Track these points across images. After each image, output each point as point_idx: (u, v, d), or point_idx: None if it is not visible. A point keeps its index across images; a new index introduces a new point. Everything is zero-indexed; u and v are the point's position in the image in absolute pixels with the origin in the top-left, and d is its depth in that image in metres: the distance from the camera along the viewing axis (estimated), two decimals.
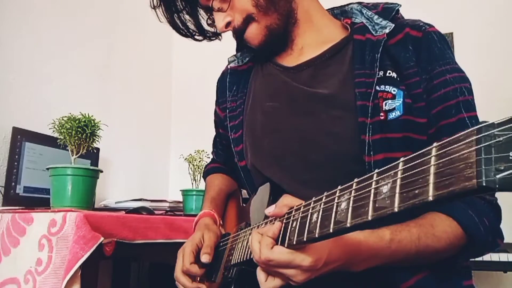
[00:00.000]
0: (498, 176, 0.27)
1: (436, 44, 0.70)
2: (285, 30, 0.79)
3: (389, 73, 0.69)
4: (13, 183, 1.48)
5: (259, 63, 0.87)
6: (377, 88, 0.68)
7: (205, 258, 0.75)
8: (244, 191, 0.97)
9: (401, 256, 0.59)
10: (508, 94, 1.97)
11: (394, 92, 0.68)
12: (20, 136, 1.52)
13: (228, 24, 0.78)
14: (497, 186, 0.27)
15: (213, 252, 0.77)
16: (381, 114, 0.67)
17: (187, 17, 0.85)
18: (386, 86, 0.68)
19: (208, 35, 0.88)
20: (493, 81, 1.99)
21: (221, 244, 0.82)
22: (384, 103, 0.67)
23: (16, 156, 1.50)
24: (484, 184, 0.27)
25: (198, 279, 0.78)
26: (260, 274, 0.56)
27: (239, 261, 0.69)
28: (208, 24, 0.86)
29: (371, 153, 0.66)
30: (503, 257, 1.52)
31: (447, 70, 0.68)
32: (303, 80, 0.77)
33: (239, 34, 0.79)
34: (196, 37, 0.88)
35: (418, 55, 0.70)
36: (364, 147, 0.66)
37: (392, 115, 0.67)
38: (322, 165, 0.72)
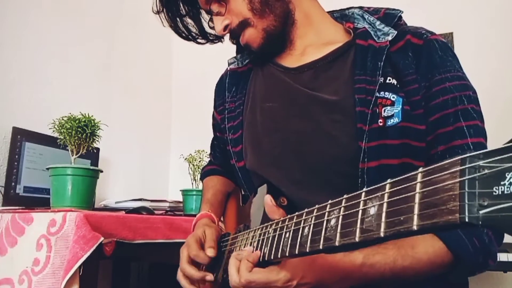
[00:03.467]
0: (481, 213, 0.26)
1: (437, 52, 0.70)
2: (283, 31, 0.79)
3: (389, 79, 0.69)
4: (13, 183, 1.48)
5: (259, 63, 0.87)
6: (377, 94, 0.68)
7: (210, 252, 0.75)
8: None
9: (375, 278, 0.59)
10: (508, 94, 1.97)
11: (393, 99, 0.68)
12: (20, 136, 1.52)
13: (226, 27, 0.79)
14: (480, 223, 0.26)
15: (217, 245, 0.77)
16: (380, 120, 0.67)
17: (189, 21, 0.86)
18: (386, 93, 0.68)
19: (211, 38, 0.89)
20: (493, 81, 1.99)
21: (221, 244, 0.82)
22: (383, 109, 0.67)
23: (16, 156, 1.50)
24: (466, 220, 0.27)
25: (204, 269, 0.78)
26: None
27: None
28: (210, 27, 0.86)
29: (365, 160, 0.66)
30: (503, 257, 1.52)
31: (447, 78, 0.68)
32: (304, 82, 0.77)
33: (235, 37, 0.80)
34: (198, 40, 0.89)
35: (418, 62, 0.69)
36: (360, 153, 0.67)
37: (390, 122, 0.67)
38: (318, 167, 0.72)
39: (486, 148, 0.34)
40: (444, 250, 0.60)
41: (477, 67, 2.01)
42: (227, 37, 0.89)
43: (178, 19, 0.85)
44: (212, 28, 0.87)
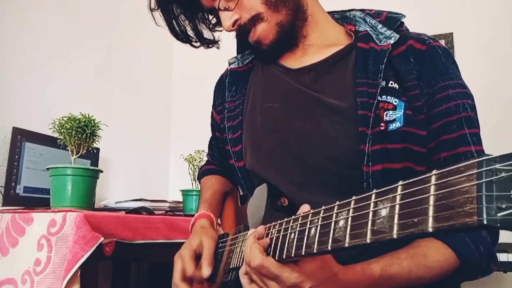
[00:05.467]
0: (499, 215, 0.26)
1: (440, 59, 0.70)
2: (294, 25, 0.77)
3: (391, 83, 0.69)
4: (13, 183, 1.48)
5: (260, 63, 0.87)
6: (379, 98, 0.68)
7: (206, 272, 0.74)
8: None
9: None
10: (508, 94, 1.97)
11: (395, 103, 0.68)
12: (20, 136, 1.52)
13: (235, 23, 0.76)
14: (498, 225, 0.26)
15: (213, 263, 0.77)
16: (382, 124, 0.67)
17: (186, 22, 0.84)
18: (388, 97, 0.68)
19: (206, 42, 0.87)
20: (493, 81, 1.99)
21: (220, 245, 0.81)
22: (385, 113, 0.67)
23: (16, 156, 1.50)
24: (485, 223, 0.27)
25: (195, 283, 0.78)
26: (244, 278, 0.58)
27: (238, 265, 0.68)
28: (209, 27, 0.85)
29: (370, 163, 0.66)
30: (503, 257, 1.53)
31: (449, 85, 0.68)
32: (305, 83, 0.77)
33: (245, 33, 0.77)
34: (193, 43, 0.87)
35: (421, 68, 0.69)
36: (363, 157, 0.66)
37: (392, 126, 0.67)
38: (318, 168, 0.72)
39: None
40: (453, 258, 0.60)
41: (477, 67, 2.01)
42: (225, 36, 0.89)
43: (173, 20, 0.83)
44: (212, 28, 0.85)
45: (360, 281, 0.56)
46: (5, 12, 1.66)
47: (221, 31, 0.86)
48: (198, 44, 0.88)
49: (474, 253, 0.60)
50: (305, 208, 0.55)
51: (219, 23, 0.83)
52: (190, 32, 0.85)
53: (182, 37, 0.85)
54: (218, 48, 0.90)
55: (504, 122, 1.92)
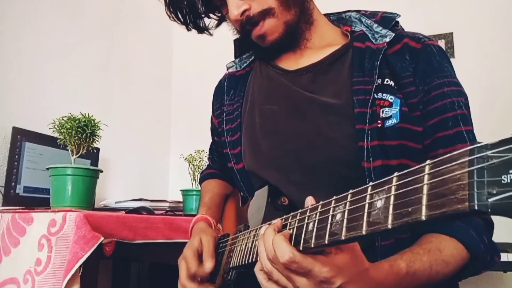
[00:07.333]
0: (490, 200, 0.27)
1: (435, 57, 0.71)
2: (298, 27, 0.77)
3: (387, 81, 0.70)
4: (13, 183, 1.48)
5: (258, 66, 0.87)
6: (375, 95, 0.69)
7: (209, 265, 0.75)
8: None
9: (415, 286, 0.57)
10: (508, 94, 1.97)
11: (391, 100, 0.68)
12: (20, 136, 1.52)
13: (243, 13, 0.74)
14: (489, 210, 0.27)
15: (214, 256, 0.77)
16: (378, 121, 0.67)
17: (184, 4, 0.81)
18: (384, 94, 0.69)
19: (201, 27, 0.85)
20: (493, 81, 1.99)
21: (220, 245, 0.82)
22: (381, 110, 0.68)
23: (16, 156, 1.50)
24: (476, 208, 0.27)
25: (199, 281, 0.78)
26: (260, 274, 0.54)
27: (238, 264, 0.69)
28: (203, 12, 0.82)
29: (370, 159, 0.66)
30: (503, 257, 1.53)
31: (444, 83, 0.69)
32: (302, 85, 0.77)
33: (251, 24, 0.75)
34: (189, 26, 0.84)
35: (416, 65, 0.70)
36: (363, 154, 0.67)
37: (388, 123, 0.67)
38: (318, 168, 0.72)
39: None
40: (464, 251, 0.61)
41: (477, 67, 2.01)
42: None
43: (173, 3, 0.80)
44: (206, 13, 0.82)
45: (387, 278, 0.54)
46: (5, 12, 1.66)
47: (215, 19, 0.84)
48: (192, 28, 0.85)
49: (480, 246, 0.61)
50: (309, 201, 0.53)
51: (215, 8, 0.82)
52: (188, 16, 0.83)
53: (180, 17, 0.82)
54: (211, 35, 0.87)
55: (503, 122, 1.92)
